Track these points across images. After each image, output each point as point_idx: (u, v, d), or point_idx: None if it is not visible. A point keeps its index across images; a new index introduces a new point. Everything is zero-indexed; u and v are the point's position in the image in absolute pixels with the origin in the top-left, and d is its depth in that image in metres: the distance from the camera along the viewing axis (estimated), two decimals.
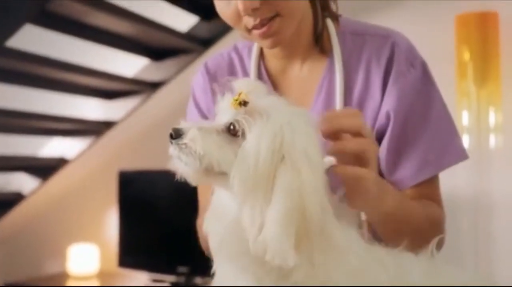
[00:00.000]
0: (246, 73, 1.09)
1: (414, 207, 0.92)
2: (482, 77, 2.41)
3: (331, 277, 0.66)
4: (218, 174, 0.69)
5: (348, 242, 0.70)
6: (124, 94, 3.19)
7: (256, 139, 0.66)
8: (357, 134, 0.76)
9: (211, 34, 2.95)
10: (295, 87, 1.06)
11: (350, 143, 0.76)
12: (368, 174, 0.76)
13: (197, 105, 1.13)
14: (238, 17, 0.91)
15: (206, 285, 2.67)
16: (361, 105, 1.00)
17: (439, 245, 0.80)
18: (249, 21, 0.91)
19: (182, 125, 0.70)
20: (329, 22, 1.04)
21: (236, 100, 0.69)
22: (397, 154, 0.98)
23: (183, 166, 0.70)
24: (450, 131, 1.00)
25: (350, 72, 1.01)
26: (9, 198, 3.25)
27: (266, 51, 1.08)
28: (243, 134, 0.68)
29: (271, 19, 0.90)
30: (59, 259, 3.41)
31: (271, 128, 0.66)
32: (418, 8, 2.69)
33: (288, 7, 0.90)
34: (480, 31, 2.40)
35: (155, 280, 3.00)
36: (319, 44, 1.04)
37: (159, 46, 3.02)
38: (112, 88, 3.14)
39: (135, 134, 3.33)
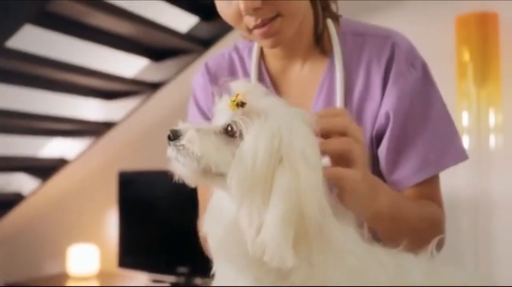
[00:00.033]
0: (246, 73, 1.09)
1: (411, 206, 0.92)
2: (482, 77, 2.41)
3: (330, 278, 0.66)
4: (216, 175, 0.69)
5: (347, 242, 0.69)
6: (124, 94, 3.19)
7: (253, 140, 0.66)
8: (341, 133, 0.76)
9: (211, 35, 2.95)
10: (296, 87, 1.06)
11: (331, 144, 0.75)
12: (352, 174, 0.75)
13: (198, 105, 1.12)
14: (239, 16, 0.91)
15: (206, 286, 2.67)
16: (361, 105, 1.00)
17: (440, 245, 0.80)
18: (250, 21, 0.91)
19: (180, 126, 0.70)
20: (330, 23, 1.04)
21: (234, 101, 0.69)
22: (397, 154, 0.98)
23: (181, 167, 0.70)
24: (450, 132, 1.00)
25: (351, 73, 1.01)
26: (9, 199, 3.25)
27: (267, 51, 1.08)
28: (241, 135, 0.68)
29: (272, 19, 0.90)
30: (59, 260, 3.42)
31: (268, 129, 0.66)
32: (418, 9, 2.70)
33: (289, 7, 0.91)
34: (480, 31, 2.40)
35: (155, 281, 3.00)
36: (320, 44, 1.04)
37: (159, 46, 3.02)
38: (112, 89, 3.14)
39: (135, 134, 3.33)
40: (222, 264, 0.74)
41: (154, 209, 3.03)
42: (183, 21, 2.99)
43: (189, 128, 0.69)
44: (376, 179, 0.85)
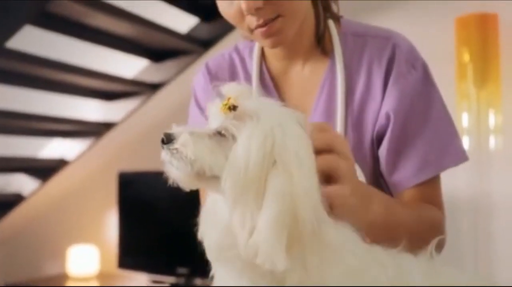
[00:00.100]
0: (247, 74, 1.09)
1: (407, 211, 0.91)
2: (482, 78, 2.41)
3: (328, 278, 0.66)
4: (210, 178, 0.68)
5: (343, 241, 0.69)
6: (124, 95, 3.19)
7: (246, 142, 0.66)
8: (327, 150, 0.75)
9: (211, 35, 2.95)
10: (297, 88, 1.06)
11: (316, 163, 0.72)
12: (339, 191, 0.74)
13: (199, 105, 1.12)
14: (241, 16, 0.91)
15: (206, 286, 2.67)
16: (362, 106, 1.00)
17: (440, 247, 0.80)
18: (252, 21, 0.91)
19: (174, 129, 0.70)
20: (331, 23, 1.04)
21: (225, 104, 0.69)
22: (397, 155, 0.98)
23: (174, 171, 0.70)
24: (450, 132, 1.00)
25: (352, 73, 1.01)
26: (9, 199, 3.25)
27: (268, 52, 1.08)
28: (233, 138, 0.68)
29: (274, 19, 0.91)
30: (59, 260, 3.42)
31: (261, 130, 0.66)
32: (418, 10, 2.70)
33: (290, 7, 0.91)
34: (480, 32, 2.40)
35: (154, 281, 2.99)
36: (321, 45, 1.04)
37: (159, 47, 3.02)
38: (112, 89, 3.14)
39: (135, 135, 3.33)
40: (219, 267, 0.73)
41: (154, 209, 3.03)
42: (183, 21, 2.99)
43: (183, 131, 0.69)
44: (367, 188, 0.85)
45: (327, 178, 0.74)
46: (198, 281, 2.78)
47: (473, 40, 2.41)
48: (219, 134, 0.69)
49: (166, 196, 2.86)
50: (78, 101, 3.34)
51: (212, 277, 0.75)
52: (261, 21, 0.90)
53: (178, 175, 0.70)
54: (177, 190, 0.72)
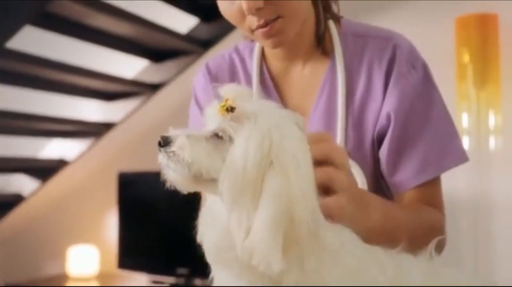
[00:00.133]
0: (247, 74, 1.09)
1: (405, 216, 0.90)
2: (482, 79, 2.41)
3: (327, 279, 0.66)
4: (208, 180, 0.68)
5: (342, 241, 0.69)
6: (124, 95, 3.19)
7: (243, 143, 0.66)
8: (324, 160, 0.75)
9: (211, 36, 2.95)
10: (297, 88, 1.06)
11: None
12: (336, 202, 0.74)
13: (199, 106, 1.12)
14: (242, 16, 0.91)
15: (206, 286, 2.67)
16: (363, 107, 1.00)
17: (440, 248, 0.80)
18: (253, 21, 0.91)
19: (171, 132, 0.70)
20: (331, 24, 1.04)
21: (223, 106, 0.69)
22: (398, 156, 0.98)
23: (172, 174, 0.70)
24: (451, 133, 1.00)
25: (352, 74, 1.01)
26: (9, 200, 3.25)
27: (268, 52, 1.08)
28: (231, 140, 0.68)
29: (275, 19, 0.91)
30: (59, 261, 3.42)
31: (258, 131, 0.66)
32: (418, 10, 2.70)
33: (291, 8, 0.91)
34: (480, 33, 2.40)
35: (154, 282, 2.99)
36: (321, 45, 1.04)
37: (159, 47, 3.02)
38: (112, 90, 3.14)
39: (135, 135, 3.33)
40: (218, 270, 0.73)
41: (153, 210, 3.03)
42: (183, 22, 3.00)
43: (180, 134, 0.69)
44: (365, 196, 0.84)
45: (325, 189, 0.74)
46: (198, 281, 2.78)
47: (473, 40, 2.41)
48: (216, 136, 0.69)
49: (166, 196, 2.84)
50: (78, 102, 3.34)
51: (212, 278, 0.75)
52: (262, 22, 0.90)
53: (176, 178, 0.70)
54: (177, 190, 0.72)
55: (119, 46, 2.94)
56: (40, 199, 3.39)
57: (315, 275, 0.65)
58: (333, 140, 0.80)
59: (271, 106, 0.71)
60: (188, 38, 2.96)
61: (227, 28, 2.82)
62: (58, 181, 3.32)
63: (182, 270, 2.83)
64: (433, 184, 0.99)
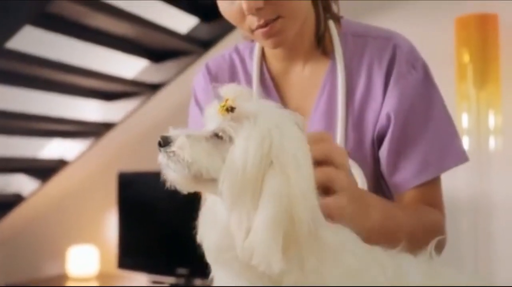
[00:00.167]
0: (247, 74, 1.09)
1: (405, 216, 0.90)
2: (481, 79, 2.41)
3: (326, 279, 0.65)
4: (208, 180, 0.68)
5: (342, 241, 0.69)
6: (123, 95, 3.19)
7: (243, 143, 0.66)
8: (324, 160, 0.75)
9: (210, 36, 2.95)
10: (297, 89, 1.06)
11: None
12: (336, 202, 0.75)
13: (199, 106, 1.13)
14: (242, 16, 0.91)
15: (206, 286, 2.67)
16: (363, 107, 1.00)
17: (440, 248, 0.79)
18: (253, 21, 0.91)
19: (171, 132, 0.70)
20: (331, 24, 1.04)
21: (223, 106, 0.69)
22: (398, 156, 0.98)
23: (172, 174, 0.70)
24: (451, 133, 1.00)
25: (352, 74, 1.01)
26: (8, 200, 3.25)
27: (268, 53, 1.08)
28: (231, 139, 0.68)
29: (274, 20, 0.91)
30: (59, 261, 3.42)
31: (258, 131, 0.66)
32: (418, 10, 2.70)
33: (291, 8, 0.91)
34: (480, 33, 2.40)
35: (154, 282, 2.99)
36: (321, 45, 1.04)
37: (158, 47, 3.02)
38: (112, 90, 3.14)
39: (135, 135, 3.33)
40: (218, 270, 0.73)
41: (153, 210, 3.03)
42: (183, 22, 3.00)
43: (180, 134, 0.69)
44: (365, 196, 0.85)
45: (325, 189, 0.74)
46: (197, 281, 2.78)
47: (473, 40, 2.41)
48: (216, 136, 0.69)
49: (166, 196, 2.83)
50: (78, 102, 3.34)
51: (212, 278, 0.75)
52: (262, 22, 0.90)
53: (176, 178, 0.70)
54: (177, 190, 0.72)
55: (119, 46, 2.94)
56: (40, 199, 3.39)
57: (315, 275, 0.65)
58: (333, 140, 0.80)
59: (271, 106, 0.71)
60: (188, 38, 2.96)
61: (227, 28, 2.82)
62: (58, 181, 3.32)
63: (182, 270, 2.83)
64: (433, 184, 0.99)
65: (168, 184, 0.71)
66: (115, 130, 3.23)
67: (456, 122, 1.02)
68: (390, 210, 0.88)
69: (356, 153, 0.99)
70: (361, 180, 0.97)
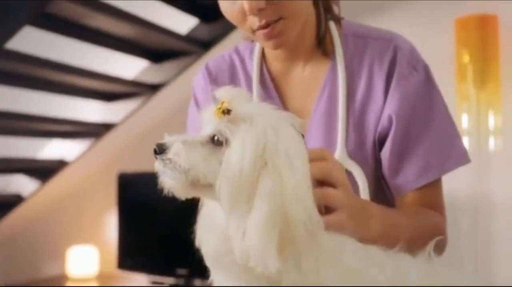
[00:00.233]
0: (247, 75, 1.09)
1: (406, 223, 0.91)
2: (481, 79, 2.41)
3: (325, 279, 0.65)
4: (205, 186, 0.68)
5: (341, 241, 0.69)
6: (123, 96, 3.19)
7: (240, 144, 0.66)
8: (323, 182, 0.77)
9: (210, 36, 2.95)
10: (297, 89, 1.06)
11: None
12: (334, 220, 0.75)
13: (198, 106, 1.12)
14: (243, 16, 0.91)
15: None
16: (363, 107, 1.00)
17: (441, 249, 0.79)
18: (254, 22, 0.91)
19: (166, 139, 0.70)
20: (332, 25, 1.04)
21: (219, 109, 0.68)
22: (400, 158, 0.98)
23: (169, 181, 0.70)
24: (452, 134, 1.00)
25: (353, 75, 1.01)
26: (8, 200, 3.25)
27: (268, 53, 1.08)
28: (227, 142, 0.68)
29: (276, 21, 0.90)
30: (59, 261, 3.41)
31: (254, 132, 0.66)
32: (418, 10, 2.70)
33: (292, 9, 0.91)
34: (479, 33, 2.40)
35: (154, 282, 2.99)
36: (322, 46, 1.04)
37: (158, 48, 3.02)
38: (112, 90, 3.14)
39: (135, 136, 3.33)
40: (217, 273, 0.73)
41: (153, 210, 3.03)
42: (182, 22, 2.99)
43: (175, 141, 0.69)
44: (365, 206, 0.85)
45: (326, 208, 0.76)
46: (197, 282, 2.78)
47: (473, 41, 2.41)
48: (212, 141, 0.69)
49: (166, 197, 2.85)
50: (78, 102, 3.34)
51: (211, 281, 0.75)
52: (263, 22, 0.90)
53: (173, 184, 0.70)
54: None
55: (119, 47, 2.93)
56: (40, 200, 3.39)
57: (314, 275, 0.65)
58: (332, 157, 0.81)
59: (267, 108, 0.71)
60: (188, 38, 2.96)
61: (227, 28, 2.82)
62: (58, 181, 3.32)
63: (181, 271, 2.83)
64: (434, 186, 1.00)
65: (165, 191, 0.71)
66: (115, 130, 3.22)
67: (456, 123, 1.02)
68: (391, 218, 0.89)
69: (357, 154, 0.99)
70: (361, 181, 0.97)
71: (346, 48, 1.03)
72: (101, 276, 3.30)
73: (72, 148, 3.27)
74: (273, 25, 0.91)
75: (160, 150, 0.69)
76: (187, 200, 0.73)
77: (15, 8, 2.27)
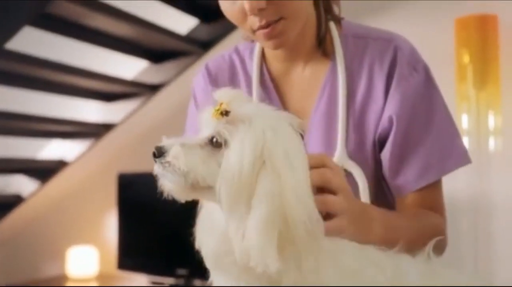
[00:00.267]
0: (247, 75, 1.09)
1: (406, 225, 0.91)
2: (481, 80, 2.41)
3: (325, 279, 0.65)
4: (205, 188, 0.68)
5: (340, 242, 0.69)
6: (123, 96, 3.19)
7: (238, 146, 0.66)
8: (322, 188, 0.76)
9: (210, 37, 2.95)
10: (297, 90, 1.06)
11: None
12: (334, 226, 0.75)
13: (198, 106, 1.12)
14: (244, 16, 0.91)
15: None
16: (364, 108, 1.00)
17: (441, 250, 0.79)
18: (255, 22, 0.91)
19: (165, 142, 0.70)
20: (332, 25, 1.04)
21: (218, 110, 0.68)
22: (400, 159, 0.97)
23: (168, 184, 0.70)
24: (453, 135, 1.00)
25: (353, 75, 1.01)
26: (8, 201, 3.25)
27: (268, 53, 1.08)
28: (226, 144, 0.68)
29: (276, 21, 0.90)
30: (59, 261, 3.41)
31: (253, 133, 0.66)
32: (418, 10, 2.69)
33: (293, 9, 0.91)
34: (479, 34, 2.39)
35: (154, 282, 2.99)
36: (322, 46, 1.03)
37: (158, 48, 3.02)
38: (112, 91, 3.14)
39: (135, 136, 3.33)
40: (217, 275, 0.73)
41: (153, 211, 3.02)
42: (182, 23, 2.99)
43: (174, 143, 0.69)
44: (365, 210, 0.85)
45: (326, 214, 0.75)
46: (197, 282, 2.78)
47: (473, 41, 2.41)
48: (211, 143, 0.69)
49: (166, 197, 2.85)
50: (78, 102, 3.34)
51: (211, 282, 0.75)
52: (263, 22, 0.90)
53: (172, 187, 0.70)
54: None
55: (119, 47, 2.93)
56: (39, 200, 3.39)
57: (314, 275, 0.65)
58: (332, 162, 0.81)
59: (266, 109, 0.71)
60: (188, 39, 2.96)
61: (227, 29, 2.82)
62: (57, 182, 3.32)
63: (181, 271, 2.82)
64: (435, 186, 1.00)
65: (165, 194, 0.71)
66: (115, 131, 3.22)
67: (456, 123, 1.02)
68: (392, 221, 0.89)
69: (357, 155, 0.99)
70: (362, 181, 0.97)
71: (346, 49, 1.02)
72: (101, 276, 3.30)
73: (72, 148, 3.27)
74: (273, 25, 0.91)
75: (159, 153, 0.69)
76: (187, 201, 0.73)
77: (15, 8, 2.27)
